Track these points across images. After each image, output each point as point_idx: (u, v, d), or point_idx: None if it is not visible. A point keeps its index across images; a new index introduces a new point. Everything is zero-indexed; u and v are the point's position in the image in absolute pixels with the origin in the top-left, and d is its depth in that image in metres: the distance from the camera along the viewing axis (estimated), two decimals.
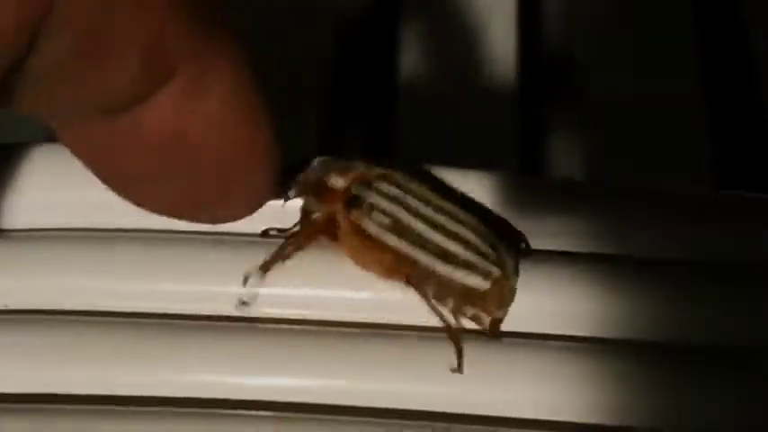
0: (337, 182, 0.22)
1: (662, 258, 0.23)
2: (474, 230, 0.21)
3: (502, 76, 0.34)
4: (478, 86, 0.35)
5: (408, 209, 0.21)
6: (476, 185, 0.23)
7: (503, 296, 0.21)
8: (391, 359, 0.21)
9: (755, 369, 0.21)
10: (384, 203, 0.21)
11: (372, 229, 0.21)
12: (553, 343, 0.21)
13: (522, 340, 0.21)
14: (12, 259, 0.22)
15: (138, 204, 0.20)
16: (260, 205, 0.21)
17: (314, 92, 0.35)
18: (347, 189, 0.21)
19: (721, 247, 0.23)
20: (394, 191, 0.21)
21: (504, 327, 0.21)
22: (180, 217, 0.21)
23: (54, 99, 0.18)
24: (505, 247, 0.21)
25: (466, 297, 0.21)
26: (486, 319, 0.21)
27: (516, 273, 0.21)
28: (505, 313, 0.21)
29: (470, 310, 0.21)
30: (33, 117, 0.18)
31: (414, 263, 0.21)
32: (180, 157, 0.19)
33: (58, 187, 0.23)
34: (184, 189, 0.20)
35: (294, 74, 0.34)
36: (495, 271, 0.21)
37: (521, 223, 0.22)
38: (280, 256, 0.21)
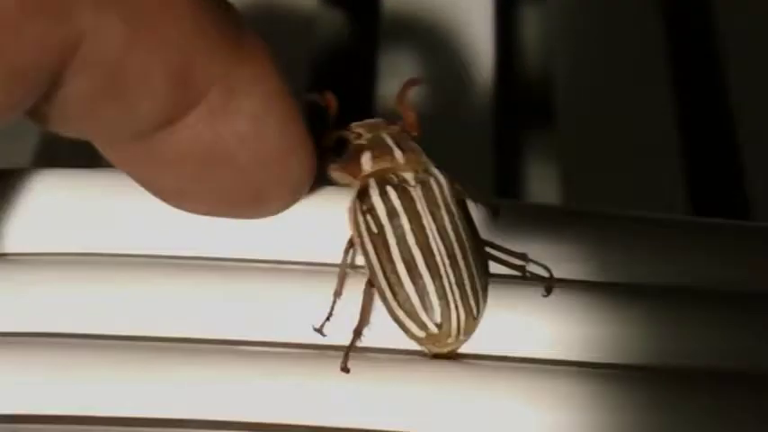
0: (366, 164, 0.22)
1: (645, 284, 0.23)
2: (438, 277, 0.21)
3: (478, 103, 0.34)
4: (454, 112, 0.35)
5: (395, 230, 0.21)
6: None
7: (440, 345, 0.21)
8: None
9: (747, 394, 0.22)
10: (381, 213, 0.21)
11: (361, 228, 0.21)
12: (541, 366, 0.22)
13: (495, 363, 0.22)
14: (11, 282, 0.22)
15: (182, 208, 0.21)
16: (300, 197, 0.22)
17: None
18: (366, 178, 0.22)
19: (704, 273, 0.23)
20: (396, 204, 0.21)
21: (489, 348, 0.22)
22: (223, 216, 0.21)
23: (84, 127, 0.18)
24: (469, 299, 0.21)
25: (405, 330, 0.21)
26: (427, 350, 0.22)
27: (465, 326, 0.21)
28: (453, 350, 0.21)
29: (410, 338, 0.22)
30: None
31: (374, 276, 0.21)
32: (216, 168, 0.19)
33: (57, 212, 0.23)
34: (224, 193, 0.20)
35: None
36: (432, 327, 0.21)
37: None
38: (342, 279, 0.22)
